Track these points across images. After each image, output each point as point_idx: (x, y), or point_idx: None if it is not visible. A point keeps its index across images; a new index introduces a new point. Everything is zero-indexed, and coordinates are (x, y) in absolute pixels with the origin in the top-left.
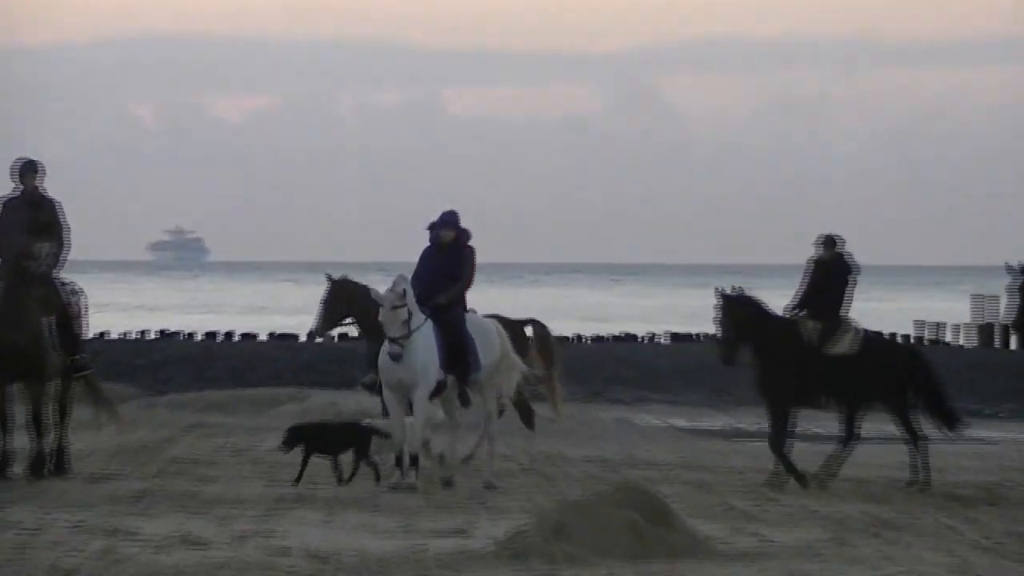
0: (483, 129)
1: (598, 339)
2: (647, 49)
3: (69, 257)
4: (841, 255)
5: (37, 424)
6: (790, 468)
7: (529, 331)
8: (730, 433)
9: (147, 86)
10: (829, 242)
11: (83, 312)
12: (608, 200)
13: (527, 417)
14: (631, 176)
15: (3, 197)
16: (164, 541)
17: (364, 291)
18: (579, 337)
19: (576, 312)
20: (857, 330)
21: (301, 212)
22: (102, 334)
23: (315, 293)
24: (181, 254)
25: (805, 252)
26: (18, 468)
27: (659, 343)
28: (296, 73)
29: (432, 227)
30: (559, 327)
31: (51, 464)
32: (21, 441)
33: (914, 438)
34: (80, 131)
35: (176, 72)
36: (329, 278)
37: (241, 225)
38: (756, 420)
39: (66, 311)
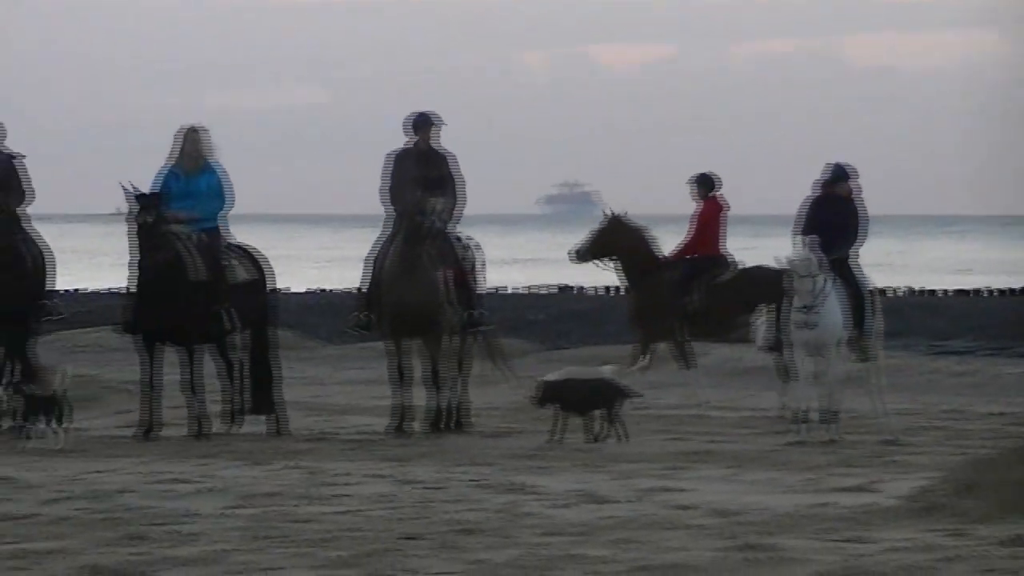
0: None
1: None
2: None
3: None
4: None
5: (435, 380)
6: None
7: None
8: None
9: (536, 36)
10: None
11: (479, 267)
12: None
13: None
14: None
15: (395, 151)
16: (565, 497)
17: (637, 234)
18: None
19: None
20: None
21: (712, 163)
22: (497, 289)
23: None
24: (574, 207)
25: None
26: (417, 424)
27: None
28: (686, 22)
29: None
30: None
31: (451, 420)
32: (419, 397)
33: None
34: (473, 83)
35: (565, 22)
36: (610, 212)
37: (631, 178)
38: None
39: (462, 266)
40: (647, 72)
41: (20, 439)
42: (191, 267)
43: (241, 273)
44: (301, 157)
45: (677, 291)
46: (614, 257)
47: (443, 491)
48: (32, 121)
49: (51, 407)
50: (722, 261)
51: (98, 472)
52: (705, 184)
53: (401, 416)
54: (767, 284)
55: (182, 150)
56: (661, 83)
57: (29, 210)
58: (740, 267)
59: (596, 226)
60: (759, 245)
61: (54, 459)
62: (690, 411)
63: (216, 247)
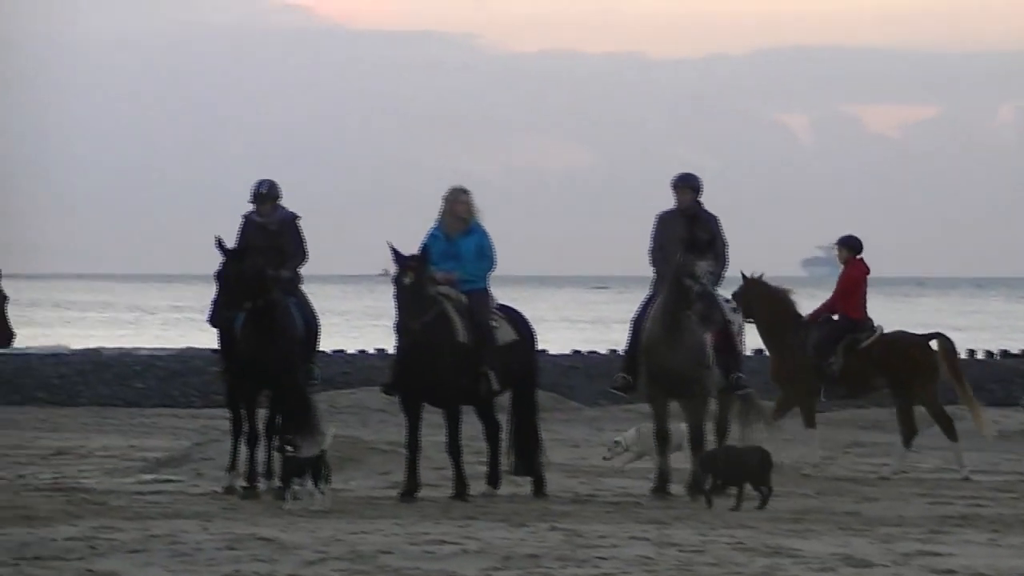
0: None
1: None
2: None
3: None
4: None
5: (697, 443)
6: None
7: (935, 345)
8: None
9: (795, 97)
10: None
11: (741, 330)
12: None
13: (949, 428)
14: None
15: (661, 212)
16: (826, 560)
17: (777, 295)
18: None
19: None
20: None
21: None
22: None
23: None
24: (834, 270)
25: None
26: (675, 487)
27: None
28: (952, 83)
29: None
30: None
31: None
32: (678, 461)
33: None
34: (732, 144)
35: (825, 83)
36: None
37: (903, 239)
38: None
39: (728, 329)
40: (909, 132)
41: (283, 500)
42: (456, 328)
43: (505, 334)
44: (564, 216)
45: (819, 352)
46: (750, 319)
47: (703, 554)
48: (302, 186)
49: (314, 468)
50: (865, 324)
51: (359, 533)
52: (851, 247)
53: (663, 479)
54: (905, 348)
55: (446, 211)
56: (925, 143)
57: (303, 271)
58: (880, 331)
59: (735, 289)
60: None
61: (315, 520)
62: (951, 475)
63: (481, 308)
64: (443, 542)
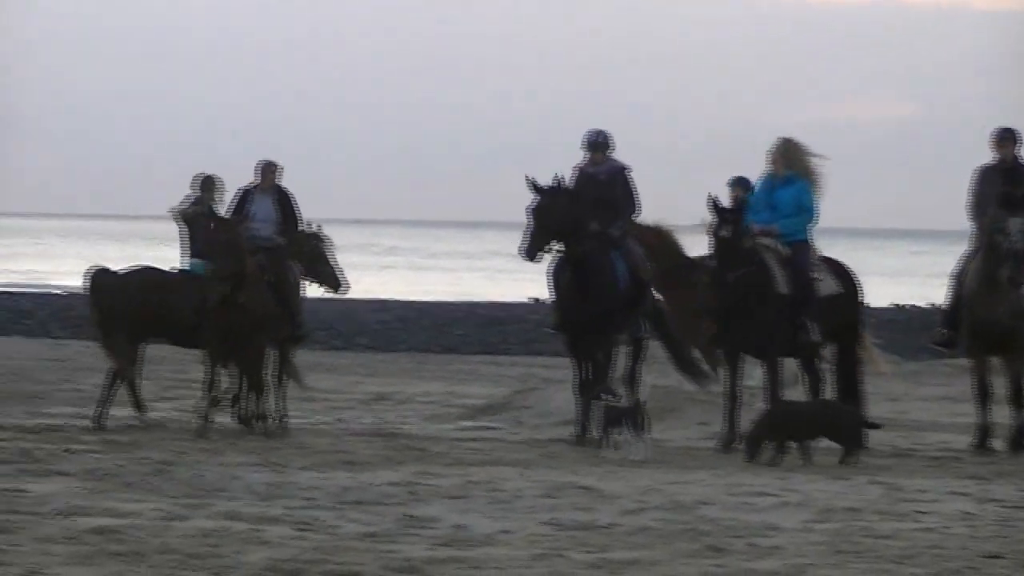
0: None
1: None
2: None
3: None
4: None
5: (1018, 399)
6: None
7: None
8: None
9: None
10: None
11: None
12: None
13: None
14: None
15: (981, 166)
16: None
17: None
18: None
19: None
20: None
21: None
22: None
23: None
24: None
25: None
26: (1000, 442)
27: None
28: None
29: None
30: None
31: None
32: (1002, 415)
33: None
34: None
35: None
36: None
37: None
38: None
39: None
40: None
41: (602, 449)
42: (776, 279)
43: (828, 287)
44: (889, 171)
45: None
46: None
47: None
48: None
49: (633, 417)
50: None
51: (678, 483)
52: None
53: (984, 434)
54: None
55: (774, 161)
56: None
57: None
58: None
59: None
60: None
61: (634, 470)
62: None
63: (802, 260)
64: (762, 494)
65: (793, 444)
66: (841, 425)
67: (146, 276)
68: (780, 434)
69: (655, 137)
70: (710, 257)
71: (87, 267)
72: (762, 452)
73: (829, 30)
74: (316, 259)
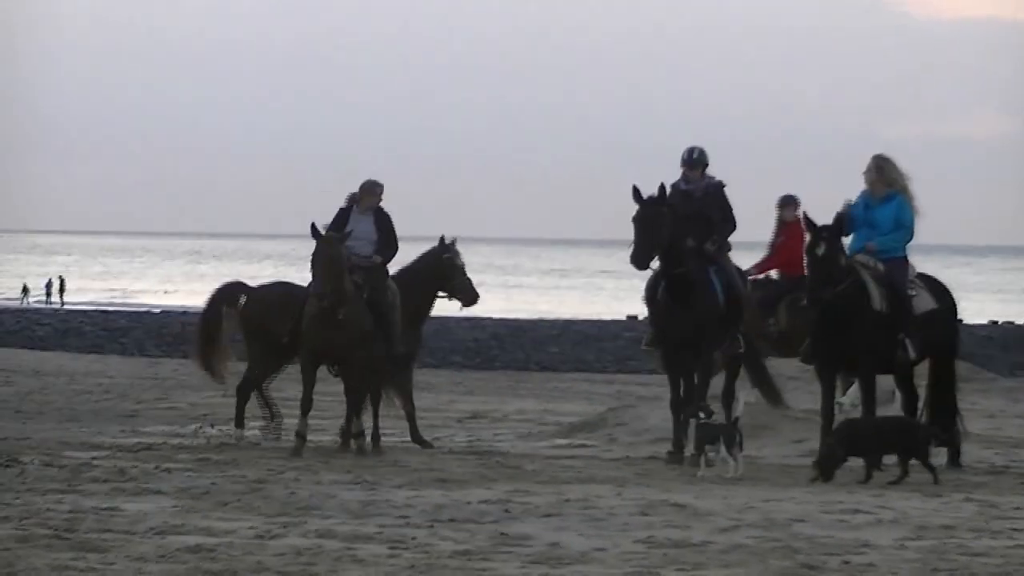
0: None
1: None
2: None
3: None
4: None
5: None
6: None
7: None
8: None
9: None
10: None
11: None
12: None
13: None
14: None
15: None
16: None
17: None
18: None
19: None
20: None
21: None
22: None
23: None
24: None
25: None
26: None
27: None
28: None
29: None
30: None
31: None
32: None
33: None
34: None
35: None
36: None
37: None
38: None
39: None
40: None
41: (696, 467)
42: (872, 296)
43: (924, 303)
44: (987, 188)
45: None
46: None
47: None
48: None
49: (727, 435)
50: None
51: (772, 501)
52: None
53: None
54: None
55: (872, 181)
56: None
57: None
58: None
59: None
60: None
61: (729, 487)
62: None
63: (898, 276)
64: (857, 511)
65: (861, 460)
66: (909, 440)
67: (287, 290)
68: (848, 451)
69: (766, 153)
70: (809, 274)
71: (222, 282)
72: (835, 469)
73: (933, 45)
74: (451, 273)
